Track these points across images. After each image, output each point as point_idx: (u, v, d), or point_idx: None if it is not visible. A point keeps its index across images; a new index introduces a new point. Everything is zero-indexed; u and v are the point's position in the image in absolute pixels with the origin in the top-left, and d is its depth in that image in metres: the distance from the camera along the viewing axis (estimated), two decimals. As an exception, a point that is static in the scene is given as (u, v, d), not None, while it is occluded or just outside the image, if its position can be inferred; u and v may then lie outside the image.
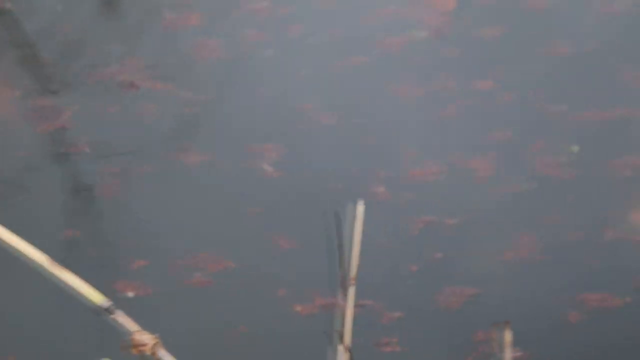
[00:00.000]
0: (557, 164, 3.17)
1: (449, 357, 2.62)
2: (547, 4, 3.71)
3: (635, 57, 3.47)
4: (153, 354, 1.49)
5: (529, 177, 3.12)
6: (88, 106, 3.51)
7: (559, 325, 2.73)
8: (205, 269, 2.94)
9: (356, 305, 2.80)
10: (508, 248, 2.92)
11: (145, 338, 1.52)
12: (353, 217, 1.62)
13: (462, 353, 2.68)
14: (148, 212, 3.13)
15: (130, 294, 2.88)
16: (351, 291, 1.52)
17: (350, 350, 1.42)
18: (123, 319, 1.52)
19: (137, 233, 3.06)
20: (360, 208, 1.54)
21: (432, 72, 3.50)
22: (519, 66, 3.49)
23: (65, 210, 3.17)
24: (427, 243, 2.96)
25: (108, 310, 1.49)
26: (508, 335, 1.29)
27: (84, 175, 3.30)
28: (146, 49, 3.71)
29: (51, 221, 3.11)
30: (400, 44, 3.63)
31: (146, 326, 1.53)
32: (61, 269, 1.48)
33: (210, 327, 2.81)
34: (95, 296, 1.48)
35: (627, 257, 2.87)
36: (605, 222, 2.96)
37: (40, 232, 3.00)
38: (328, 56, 3.62)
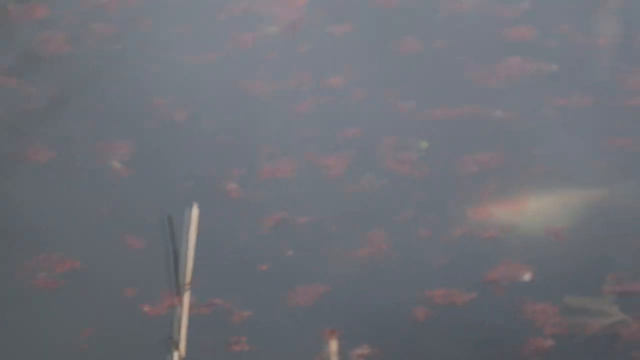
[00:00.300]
0: (407, 161, 3.23)
1: (298, 356, 2.65)
2: (397, 1, 3.78)
3: (483, 55, 3.55)
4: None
5: (380, 174, 3.18)
6: None
7: (407, 322, 2.79)
8: (51, 269, 2.91)
9: (205, 305, 2.83)
10: (359, 245, 2.98)
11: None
12: (190, 220, 1.62)
13: (311, 352, 2.72)
14: (-9, 211, 3.07)
15: (-30, 297, 2.82)
16: (187, 296, 1.52)
17: (184, 358, 1.42)
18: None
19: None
20: (195, 211, 1.54)
21: (285, 69, 3.53)
22: (369, 63, 3.55)
23: None
24: (279, 241, 3.00)
25: None
26: (334, 344, 1.32)
27: None
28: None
29: None
30: (252, 40, 3.64)
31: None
32: None
33: (55, 330, 2.77)
34: None
35: (474, 253, 2.95)
36: (454, 218, 3.05)
37: None
38: (180, 51, 3.60)
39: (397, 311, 2.80)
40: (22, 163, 3.23)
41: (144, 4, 3.74)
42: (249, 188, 3.15)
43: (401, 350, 2.73)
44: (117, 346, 2.72)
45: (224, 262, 2.96)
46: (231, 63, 3.58)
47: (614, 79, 3.43)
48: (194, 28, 3.68)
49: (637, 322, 2.73)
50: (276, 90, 3.48)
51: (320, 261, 2.95)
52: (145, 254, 2.96)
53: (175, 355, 1.41)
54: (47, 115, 3.41)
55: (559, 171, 3.16)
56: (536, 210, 3.06)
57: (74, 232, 3.02)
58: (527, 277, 2.87)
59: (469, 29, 3.63)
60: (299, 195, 3.13)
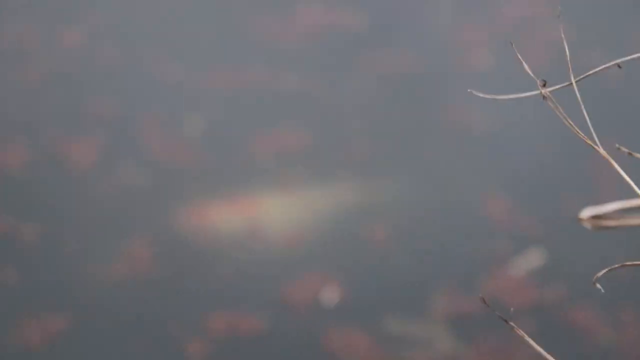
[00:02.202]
0: (178, 143, 3.08)
1: None
2: None
3: (276, 5, 3.45)
4: None
5: (142, 163, 3.03)
6: None
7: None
8: None
9: None
10: (115, 261, 2.83)
11: None
12: None
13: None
14: None
15: None
16: None
17: None
18: None
19: None
20: None
21: (5, 24, 3.38)
22: (117, 14, 3.42)
23: None
24: None
25: None
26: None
27: None
28: None
29: None
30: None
31: None
32: None
33: None
34: None
35: (267, 265, 2.84)
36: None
37: None
38: None
39: (166, 348, 2.67)
40: None
41: None
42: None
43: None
44: None
45: None
46: None
47: (443, 31, 3.42)
48: None
49: (472, 351, 2.67)
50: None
51: (56, 288, 2.78)
52: None
53: None
54: None
55: (373, 155, 3.11)
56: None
57: None
58: (333, 295, 2.79)
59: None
60: (31, 196, 2.96)
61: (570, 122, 1.13)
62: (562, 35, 1.20)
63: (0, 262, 2.83)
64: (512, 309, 2.70)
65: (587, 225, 1.21)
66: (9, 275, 2.82)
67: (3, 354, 2.70)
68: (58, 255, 2.86)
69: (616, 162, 1.15)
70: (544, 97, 1.17)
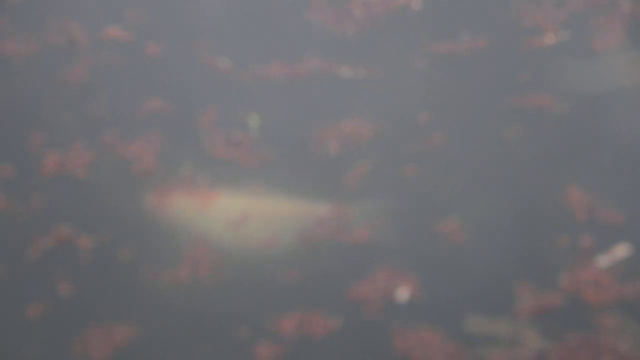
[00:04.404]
0: (238, 142, 3.07)
1: None
2: None
3: None
4: None
5: (202, 164, 3.02)
6: None
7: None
8: None
9: None
10: (176, 268, 2.80)
11: None
12: None
13: None
14: None
15: None
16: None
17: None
18: None
19: None
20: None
21: (44, 24, 3.37)
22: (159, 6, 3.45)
23: None
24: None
25: None
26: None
27: None
28: None
29: None
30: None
31: None
32: None
33: None
34: None
35: (339, 262, 2.82)
36: (312, 216, 2.91)
37: None
38: None
39: (237, 350, 2.66)
40: None
41: None
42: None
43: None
44: None
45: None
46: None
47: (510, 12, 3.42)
48: None
49: (558, 351, 2.61)
50: (38, 52, 3.28)
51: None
52: None
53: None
54: None
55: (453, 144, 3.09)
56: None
57: None
58: (406, 292, 2.77)
59: None
60: (90, 203, 2.94)
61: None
62: None
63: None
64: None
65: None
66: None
67: None
68: (114, 264, 2.86)
69: None
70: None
